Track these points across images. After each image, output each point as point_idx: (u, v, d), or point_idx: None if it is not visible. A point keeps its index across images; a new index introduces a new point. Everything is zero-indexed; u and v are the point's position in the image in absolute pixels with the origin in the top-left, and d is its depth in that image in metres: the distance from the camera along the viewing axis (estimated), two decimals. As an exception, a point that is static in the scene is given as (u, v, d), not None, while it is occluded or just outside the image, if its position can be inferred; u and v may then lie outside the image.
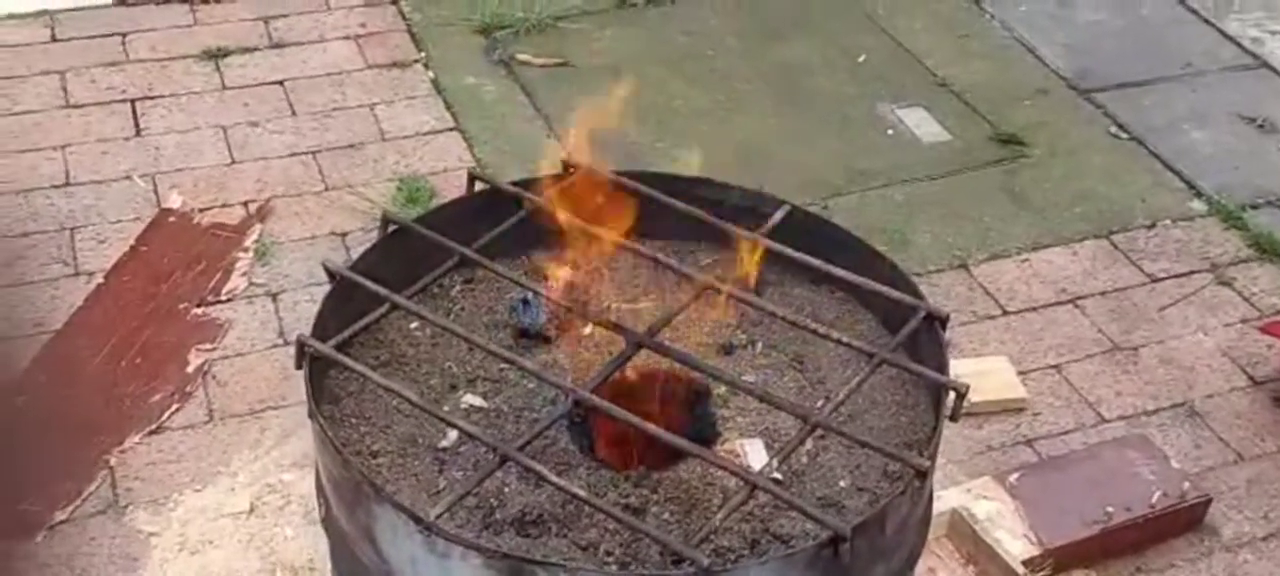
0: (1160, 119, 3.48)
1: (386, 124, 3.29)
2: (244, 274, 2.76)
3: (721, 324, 1.82)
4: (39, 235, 2.84)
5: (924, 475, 1.52)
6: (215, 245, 2.82)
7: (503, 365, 1.74)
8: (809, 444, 1.64)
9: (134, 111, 3.27)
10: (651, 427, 1.52)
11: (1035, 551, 2.17)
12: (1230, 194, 3.21)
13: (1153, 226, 3.11)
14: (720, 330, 1.82)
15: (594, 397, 1.56)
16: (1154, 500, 2.29)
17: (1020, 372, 2.64)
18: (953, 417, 1.60)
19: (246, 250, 2.81)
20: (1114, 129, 3.45)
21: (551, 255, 1.82)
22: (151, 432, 2.38)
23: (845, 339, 1.70)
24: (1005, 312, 2.82)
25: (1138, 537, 2.29)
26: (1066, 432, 2.54)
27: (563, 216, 1.77)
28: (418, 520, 1.41)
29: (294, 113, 3.32)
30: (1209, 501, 2.37)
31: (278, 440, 2.38)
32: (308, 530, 2.17)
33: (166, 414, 2.41)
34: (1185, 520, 2.34)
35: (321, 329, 1.64)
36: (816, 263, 1.78)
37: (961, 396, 1.58)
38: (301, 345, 1.59)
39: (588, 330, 1.80)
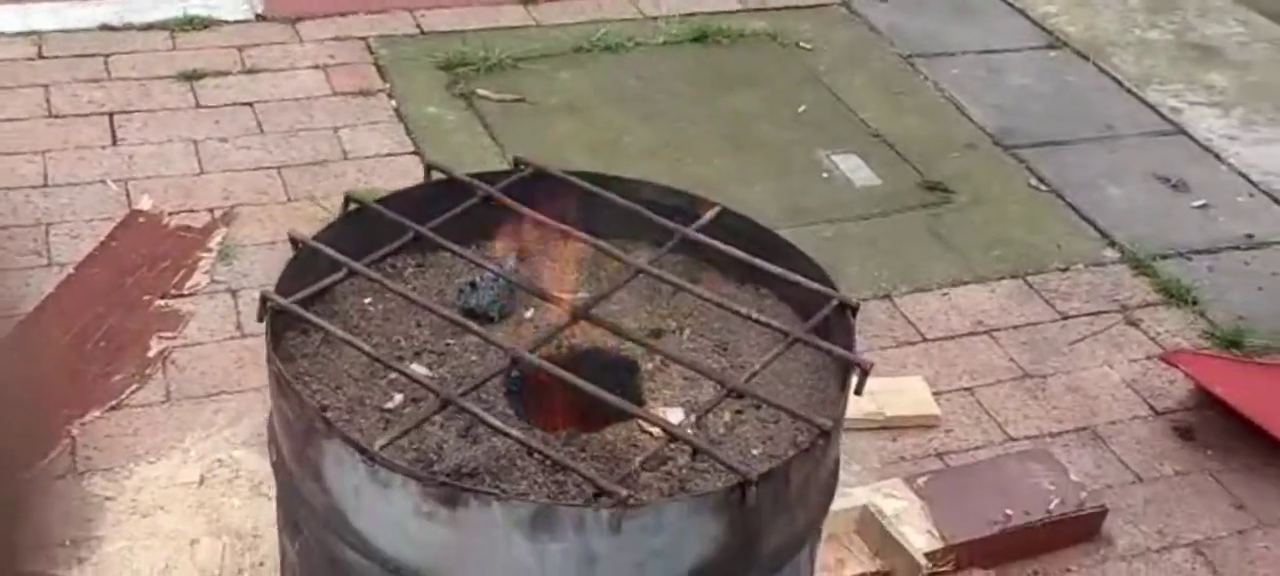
0: (1079, 175, 3.70)
1: (349, 145, 3.45)
2: (206, 271, 2.90)
3: (653, 311, 1.99)
4: (17, 228, 2.98)
5: (827, 434, 1.68)
6: (181, 245, 2.96)
7: (448, 340, 1.89)
8: (726, 416, 1.81)
9: (111, 123, 3.43)
10: (580, 383, 1.68)
11: (938, 545, 2.33)
12: (1142, 244, 3.41)
13: (1067, 270, 3.31)
14: (652, 316, 1.98)
15: (531, 356, 1.71)
16: (1052, 506, 2.46)
17: (935, 393, 2.81)
18: (857, 391, 1.77)
19: (210, 250, 2.95)
20: (1034, 182, 3.66)
21: (499, 242, 1.99)
22: (112, 409, 2.51)
23: (763, 319, 1.87)
24: (924, 339, 3.00)
25: (1035, 541, 2.45)
26: (975, 448, 2.71)
27: (511, 205, 1.94)
28: (362, 450, 1.56)
29: (262, 131, 3.47)
30: (1105, 512, 2.54)
31: (230, 421, 2.51)
32: (253, 501, 2.30)
33: (126, 392, 2.54)
34: (1082, 528, 2.50)
35: (283, 287, 1.79)
36: (741, 254, 1.96)
37: (866, 372, 1.75)
38: (264, 299, 1.74)
39: (530, 313, 1.97)
